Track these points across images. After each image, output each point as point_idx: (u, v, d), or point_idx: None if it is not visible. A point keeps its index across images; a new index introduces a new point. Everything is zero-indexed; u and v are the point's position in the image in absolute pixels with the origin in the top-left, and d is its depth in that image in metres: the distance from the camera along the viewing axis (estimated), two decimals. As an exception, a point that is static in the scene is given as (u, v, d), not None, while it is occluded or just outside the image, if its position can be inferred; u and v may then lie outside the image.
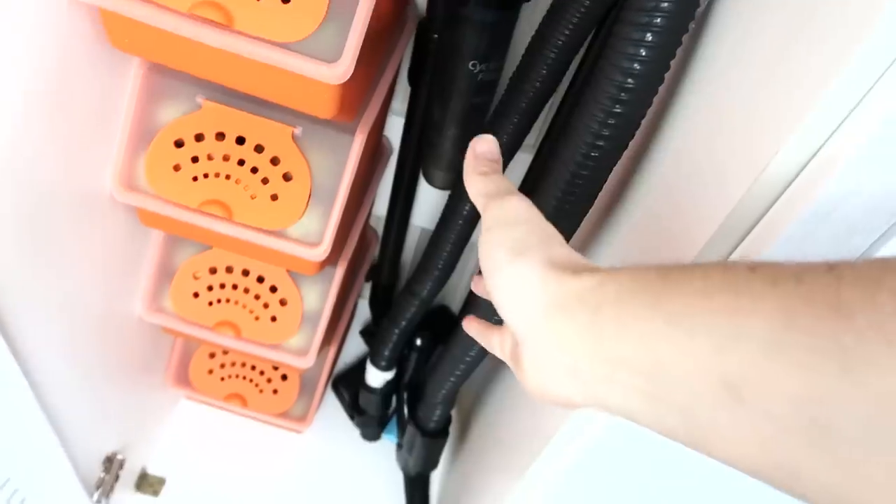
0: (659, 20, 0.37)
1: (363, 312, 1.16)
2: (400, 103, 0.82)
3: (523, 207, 0.32)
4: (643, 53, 0.38)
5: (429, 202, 0.94)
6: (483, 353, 0.69)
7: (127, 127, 0.58)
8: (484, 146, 0.36)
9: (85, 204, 0.58)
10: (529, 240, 0.30)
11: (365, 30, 0.46)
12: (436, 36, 0.69)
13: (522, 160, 0.68)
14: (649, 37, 0.38)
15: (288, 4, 0.45)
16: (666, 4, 0.37)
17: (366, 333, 1.11)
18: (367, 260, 1.00)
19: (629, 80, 0.39)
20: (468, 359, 0.70)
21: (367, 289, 1.11)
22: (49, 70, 0.48)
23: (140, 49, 0.50)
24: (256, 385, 0.89)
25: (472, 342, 0.67)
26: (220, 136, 0.58)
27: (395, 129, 0.84)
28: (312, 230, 0.60)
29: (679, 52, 0.39)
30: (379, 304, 1.05)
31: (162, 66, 0.56)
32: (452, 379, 0.76)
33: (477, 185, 0.34)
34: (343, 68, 0.45)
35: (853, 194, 0.28)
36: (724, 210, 0.31)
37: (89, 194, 0.58)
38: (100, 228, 0.62)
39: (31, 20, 0.45)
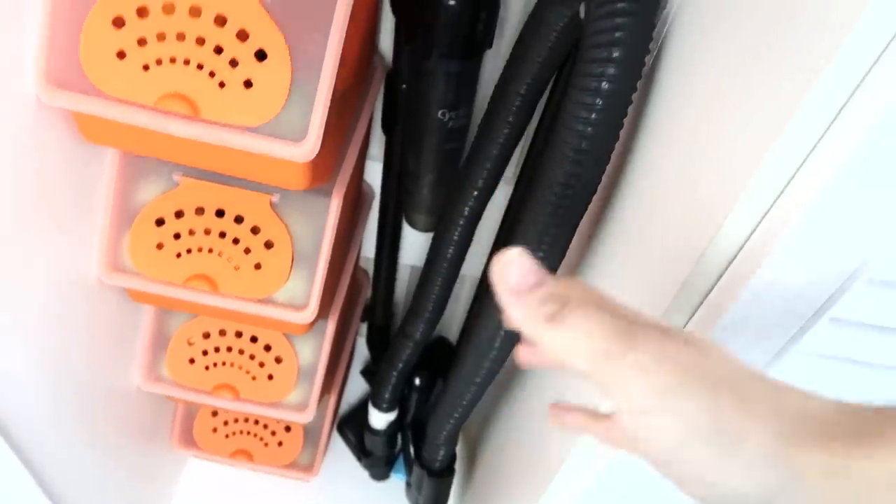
0: (606, 85, 0.38)
1: (363, 351, 1.16)
2: (377, 149, 0.84)
3: (672, 350, 0.22)
4: (594, 117, 0.39)
5: (416, 241, 0.95)
6: (479, 394, 0.70)
7: (108, 211, 0.59)
8: (516, 272, 0.25)
9: (75, 288, 0.59)
10: (725, 409, 0.21)
11: (328, 105, 0.47)
12: (404, 86, 0.70)
13: (503, 191, 0.69)
14: (599, 101, 0.39)
15: (251, 89, 0.46)
16: (612, 70, 0.38)
17: (367, 373, 1.12)
18: (361, 301, 1.01)
19: (583, 143, 0.40)
20: (465, 403, 0.71)
21: (364, 327, 1.12)
22: (29, 169, 0.49)
23: (113, 141, 0.52)
24: (261, 439, 0.90)
25: (467, 386, 0.67)
26: (200, 210, 0.59)
27: (374, 174, 0.85)
28: (298, 293, 0.61)
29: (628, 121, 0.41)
30: (376, 344, 1.06)
31: (137, 149, 0.57)
32: (452, 421, 0.77)
33: (562, 341, 0.23)
34: (310, 146, 0.47)
35: (782, 281, 0.28)
36: (674, 288, 0.32)
37: (78, 279, 0.59)
38: (92, 309, 0.63)
39: (7, 124, 0.46)
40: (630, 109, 0.41)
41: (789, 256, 0.27)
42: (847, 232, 0.27)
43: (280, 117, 0.47)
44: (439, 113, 0.67)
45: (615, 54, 0.37)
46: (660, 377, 0.22)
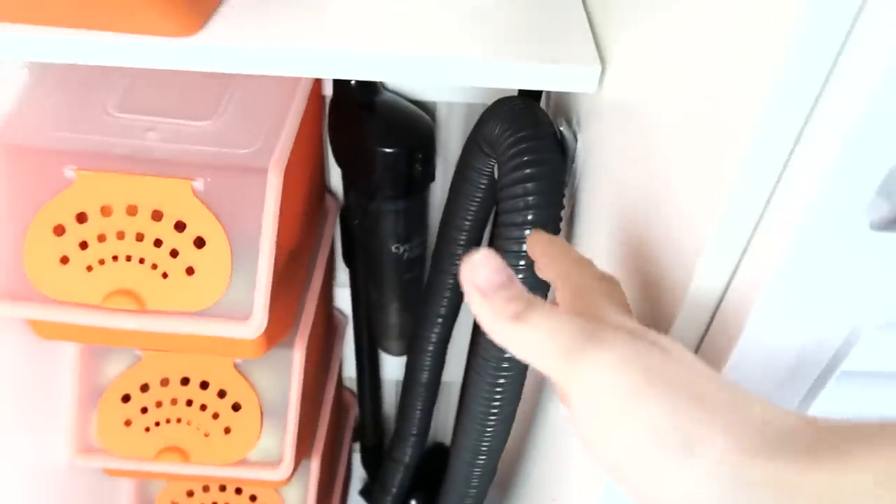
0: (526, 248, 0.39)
1: (361, 471, 1.15)
2: (344, 275, 0.85)
3: (634, 353, 0.22)
4: (522, 272, 0.40)
5: (395, 357, 0.95)
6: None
7: (74, 395, 0.59)
8: (483, 272, 0.25)
9: (47, 475, 0.59)
10: (686, 416, 0.20)
11: (270, 279, 0.48)
12: (356, 222, 0.72)
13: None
14: (522, 263, 0.40)
15: (193, 276, 0.48)
16: (528, 232, 0.39)
17: (365, 493, 1.10)
18: (350, 420, 1.00)
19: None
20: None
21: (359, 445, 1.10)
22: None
23: (68, 337, 0.53)
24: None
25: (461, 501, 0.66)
26: (165, 381, 0.60)
27: (345, 300, 0.86)
28: (272, 450, 0.61)
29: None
30: (371, 463, 1.05)
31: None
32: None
33: (525, 340, 0.23)
34: (256, 323, 0.47)
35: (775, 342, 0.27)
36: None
37: (49, 466, 0.59)
38: (66, 492, 0.62)
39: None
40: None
41: (773, 316, 0.26)
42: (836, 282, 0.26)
43: (225, 298, 0.48)
44: (393, 247, 0.68)
45: (529, 217, 0.39)
46: (620, 380, 0.21)
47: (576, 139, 0.42)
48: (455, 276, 0.62)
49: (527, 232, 0.39)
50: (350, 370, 0.98)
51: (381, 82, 0.64)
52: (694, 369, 0.22)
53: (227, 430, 0.59)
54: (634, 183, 0.35)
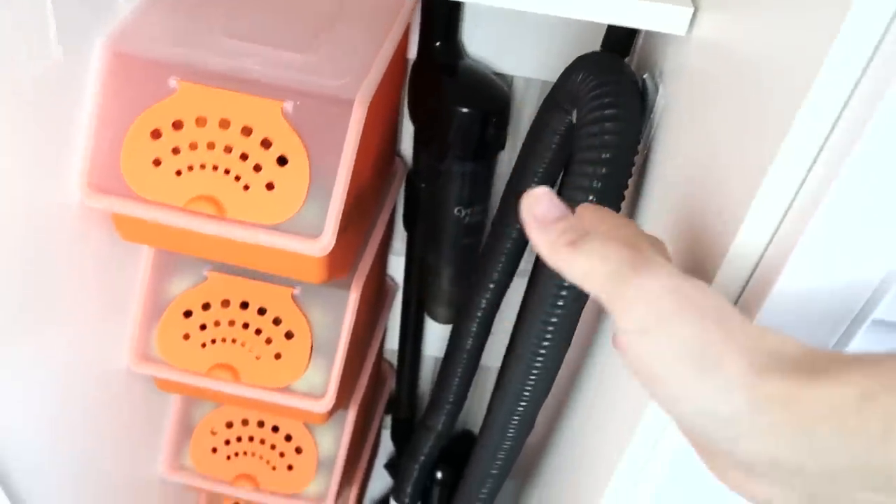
0: (597, 184, 0.41)
1: (388, 445, 1.16)
2: (400, 244, 0.87)
3: (673, 285, 0.25)
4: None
5: (439, 333, 0.97)
6: (497, 486, 0.69)
7: (141, 303, 0.63)
8: (542, 205, 0.28)
9: (106, 377, 0.62)
10: (711, 338, 0.24)
11: (343, 206, 0.50)
12: (423, 185, 0.74)
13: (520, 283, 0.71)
14: (591, 198, 0.41)
15: (272, 191, 0.50)
16: (603, 170, 0.41)
17: (390, 467, 1.11)
18: (385, 394, 1.02)
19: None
20: (483, 496, 0.70)
21: (389, 420, 1.12)
22: (70, 264, 0.53)
23: (146, 240, 0.56)
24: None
25: (484, 478, 0.67)
26: (226, 303, 0.63)
27: (398, 268, 0.88)
28: (317, 383, 0.63)
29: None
30: (400, 437, 1.06)
31: (170, 246, 0.62)
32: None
33: (579, 264, 0.26)
34: (325, 242, 0.50)
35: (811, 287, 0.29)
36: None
37: (109, 368, 0.62)
38: (120, 397, 0.66)
39: (54, 224, 0.50)
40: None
41: (812, 259, 0.28)
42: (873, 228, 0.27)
43: (298, 216, 0.51)
44: (455, 210, 0.70)
45: (604, 156, 0.40)
46: (661, 304, 0.24)
47: (657, 90, 0.43)
48: (514, 241, 0.64)
49: (601, 171, 0.40)
50: (391, 343, 1.01)
51: (463, 49, 0.67)
52: (721, 304, 0.25)
53: (278, 356, 0.62)
54: (701, 138, 0.36)
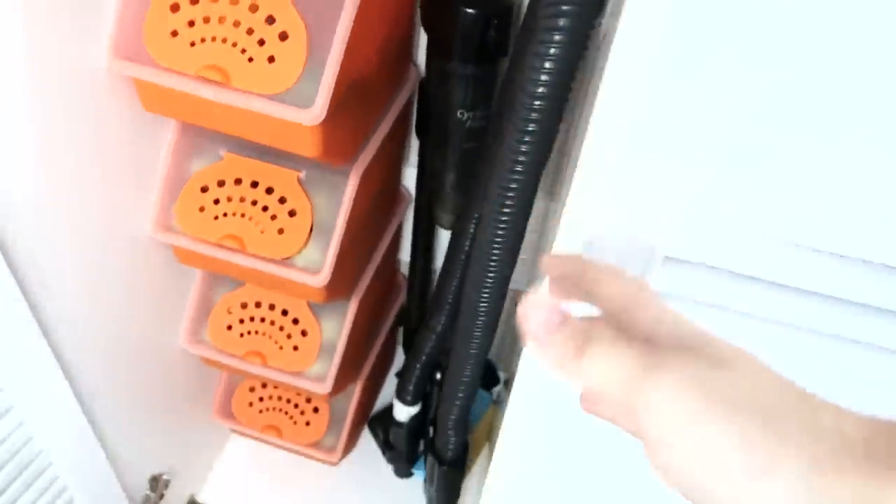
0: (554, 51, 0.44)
1: (403, 357, 1.22)
2: (414, 155, 0.91)
3: (696, 377, 0.22)
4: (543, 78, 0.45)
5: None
6: (478, 371, 0.74)
7: (163, 177, 0.69)
8: (537, 318, 0.25)
9: (129, 246, 0.69)
10: (753, 436, 0.20)
11: (336, 82, 0.55)
12: (433, 91, 0.78)
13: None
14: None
15: (273, 64, 0.55)
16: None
17: (400, 374, 1.17)
18: (397, 302, 1.07)
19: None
20: (465, 380, 0.75)
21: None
22: (99, 132, 0.60)
23: (166, 110, 0.62)
24: (290, 417, 0.97)
25: (465, 363, 0.72)
26: (238, 181, 0.69)
27: (412, 179, 0.93)
28: (315, 260, 0.68)
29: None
30: (410, 346, 1.12)
31: (192, 128, 0.68)
32: (457, 403, 0.81)
33: (590, 377, 0.24)
34: (316, 112, 0.55)
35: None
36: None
37: (132, 237, 0.69)
38: (146, 265, 0.73)
39: (83, 92, 0.57)
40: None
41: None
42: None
43: (295, 89, 0.55)
44: (458, 113, 0.74)
45: (561, 23, 0.43)
46: (685, 405, 0.21)
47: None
48: (502, 131, 0.67)
49: (556, 37, 0.43)
50: (405, 255, 1.06)
51: (475, -45, 0.69)
52: (758, 382, 0.22)
53: (281, 231, 0.68)
54: None
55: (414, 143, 0.90)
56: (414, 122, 0.84)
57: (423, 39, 0.79)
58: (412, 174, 0.93)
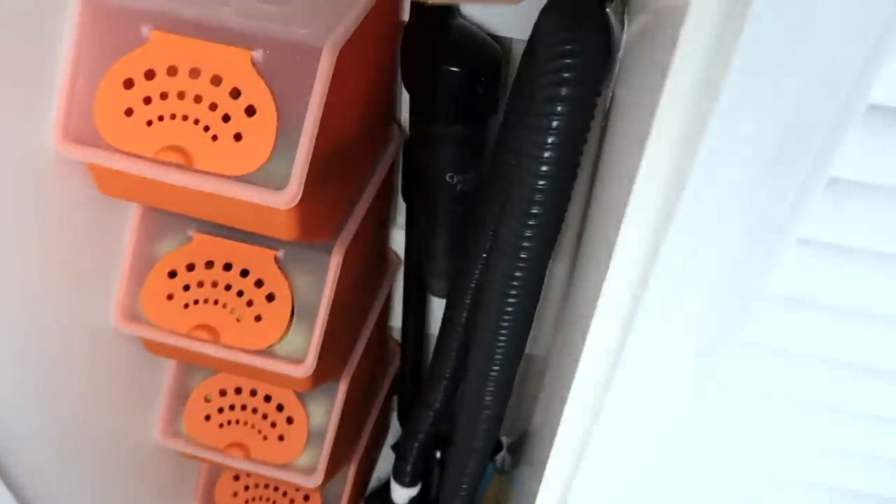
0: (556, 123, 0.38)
1: (399, 428, 1.15)
2: (403, 217, 0.86)
3: None
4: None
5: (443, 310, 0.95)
6: (484, 461, 0.67)
7: (127, 263, 0.63)
8: None
9: (91, 337, 0.63)
10: None
11: (311, 158, 0.49)
12: (419, 153, 0.72)
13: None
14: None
15: (240, 142, 0.49)
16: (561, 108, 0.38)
17: (396, 447, 1.10)
18: (391, 373, 1.01)
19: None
20: (469, 471, 0.68)
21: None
22: (52, 219, 0.54)
23: (123, 193, 0.56)
24: (280, 508, 0.89)
25: (468, 452, 0.65)
26: (209, 264, 0.62)
27: (400, 242, 0.87)
28: (298, 345, 0.62)
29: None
30: (406, 418, 1.05)
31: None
32: (462, 494, 0.74)
33: None
34: (291, 193, 0.49)
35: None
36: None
37: (97, 328, 0.63)
38: (110, 360, 0.66)
39: (30, 178, 0.51)
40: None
41: None
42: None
43: (266, 168, 0.50)
44: (447, 176, 0.68)
45: (563, 92, 0.38)
46: None
47: (622, 28, 0.40)
48: (502, 206, 0.62)
49: (558, 108, 0.38)
50: (397, 321, 0.99)
51: (457, 9, 0.65)
52: None
53: (258, 318, 0.61)
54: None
55: (401, 203, 0.85)
56: (399, 184, 0.79)
57: (405, 96, 0.74)
58: (400, 236, 0.87)
